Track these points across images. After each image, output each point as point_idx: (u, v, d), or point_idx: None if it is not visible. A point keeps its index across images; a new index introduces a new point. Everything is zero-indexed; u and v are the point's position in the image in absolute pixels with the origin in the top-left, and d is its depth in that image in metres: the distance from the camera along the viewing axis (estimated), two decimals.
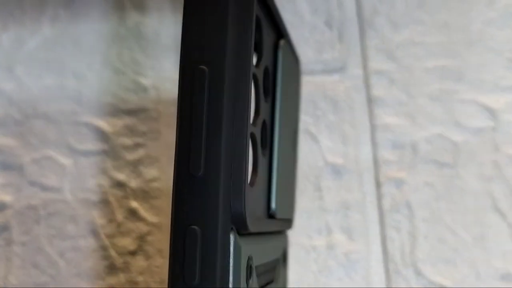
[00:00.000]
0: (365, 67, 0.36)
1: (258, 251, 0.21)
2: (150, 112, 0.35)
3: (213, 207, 0.18)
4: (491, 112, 0.35)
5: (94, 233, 0.33)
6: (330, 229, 0.33)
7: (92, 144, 0.34)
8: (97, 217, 0.33)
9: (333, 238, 0.33)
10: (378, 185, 0.34)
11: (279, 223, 0.25)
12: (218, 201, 0.18)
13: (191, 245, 0.18)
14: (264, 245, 0.23)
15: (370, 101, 0.35)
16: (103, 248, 0.33)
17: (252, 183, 0.22)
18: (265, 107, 0.24)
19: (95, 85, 0.35)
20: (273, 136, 0.24)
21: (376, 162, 0.34)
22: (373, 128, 0.35)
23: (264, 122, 0.23)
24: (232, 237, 0.19)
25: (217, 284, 0.18)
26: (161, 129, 0.35)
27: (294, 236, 0.33)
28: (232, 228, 0.19)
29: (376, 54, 0.36)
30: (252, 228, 0.19)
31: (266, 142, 0.24)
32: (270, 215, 0.24)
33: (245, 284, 0.19)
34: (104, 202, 0.33)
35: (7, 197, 0.33)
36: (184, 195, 0.19)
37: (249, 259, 0.20)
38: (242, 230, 0.19)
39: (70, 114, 0.34)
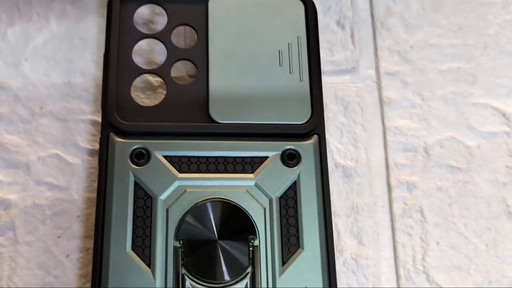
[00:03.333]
0: (377, 68, 0.35)
1: (173, 146, 0.29)
2: None
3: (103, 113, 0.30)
4: (506, 117, 0.34)
5: None
6: (340, 233, 0.32)
7: (99, 143, 0.33)
8: None
9: (342, 242, 0.32)
10: (389, 189, 0.33)
11: (236, 126, 0.30)
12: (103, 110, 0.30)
13: None
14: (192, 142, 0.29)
15: (383, 103, 0.34)
16: None
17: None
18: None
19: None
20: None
21: (388, 165, 0.33)
22: (385, 131, 0.34)
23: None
24: (111, 135, 0.30)
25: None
26: None
27: None
28: (111, 129, 0.30)
29: (389, 55, 0.35)
30: (127, 128, 0.30)
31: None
32: (211, 119, 0.30)
33: (130, 163, 0.29)
34: None
35: (12, 196, 0.33)
36: None
37: (139, 148, 0.29)
38: (122, 129, 0.29)
39: (77, 112, 0.34)
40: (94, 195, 0.33)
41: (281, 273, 0.28)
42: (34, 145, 0.33)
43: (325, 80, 0.35)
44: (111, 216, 0.28)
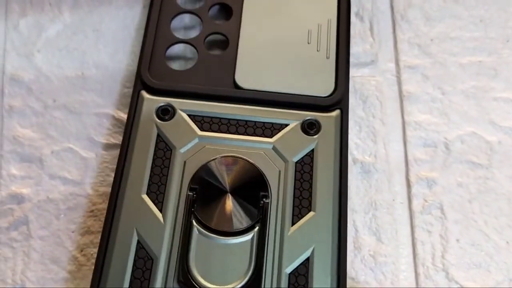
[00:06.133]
0: (397, 61, 0.34)
1: (192, 106, 0.31)
2: None
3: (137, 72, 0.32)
4: None
5: None
6: (358, 230, 0.32)
7: (113, 137, 0.33)
8: None
9: (360, 239, 0.32)
10: (409, 185, 0.33)
11: (257, 93, 0.31)
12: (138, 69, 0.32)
13: None
14: (208, 105, 0.31)
15: (402, 97, 0.34)
16: None
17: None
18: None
19: (117, 75, 0.34)
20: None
21: (407, 161, 0.33)
22: (404, 126, 0.33)
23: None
24: (142, 92, 0.31)
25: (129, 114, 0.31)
26: None
27: None
28: (142, 87, 0.31)
29: (409, 48, 0.34)
30: (156, 86, 0.31)
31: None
32: (236, 85, 0.31)
33: (155, 118, 0.31)
34: None
35: (25, 190, 0.32)
36: None
37: (165, 105, 0.31)
38: (151, 87, 0.31)
39: (91, 105, 0.33)
40: (109, 190, 0.32)
41: (289, 231, 0.29)
42: (47, 138, 0.33)
43: None
44: (130, 162, 0.30)
